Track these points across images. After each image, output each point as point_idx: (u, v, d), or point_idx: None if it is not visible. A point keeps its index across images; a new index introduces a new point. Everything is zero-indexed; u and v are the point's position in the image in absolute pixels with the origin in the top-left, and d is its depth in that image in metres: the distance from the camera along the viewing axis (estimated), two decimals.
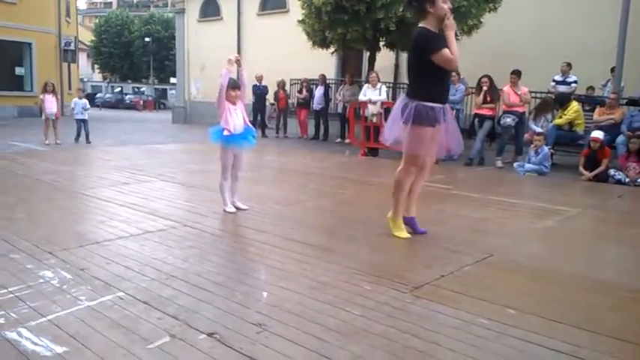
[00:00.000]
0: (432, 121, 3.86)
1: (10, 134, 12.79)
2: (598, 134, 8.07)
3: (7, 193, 5.46)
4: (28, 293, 2.78)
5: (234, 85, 4.73)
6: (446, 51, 3.71)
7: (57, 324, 2.42)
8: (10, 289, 2.81)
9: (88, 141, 11.27)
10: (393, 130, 4.13)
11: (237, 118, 4.76)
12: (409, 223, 4.26)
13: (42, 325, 2.41)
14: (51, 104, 11.14)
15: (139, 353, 2.17)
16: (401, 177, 4.14)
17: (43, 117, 11.15)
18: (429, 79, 3.86)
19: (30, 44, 21.11)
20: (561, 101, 9.50)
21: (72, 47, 22.94)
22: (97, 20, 52.63)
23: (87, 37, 46.65)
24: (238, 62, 4.79)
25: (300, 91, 14.62)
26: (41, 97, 11.35)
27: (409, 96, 3.95)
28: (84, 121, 11.34)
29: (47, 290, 2.84)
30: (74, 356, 2.14)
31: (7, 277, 3.01)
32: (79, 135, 11.34)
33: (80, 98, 11.74)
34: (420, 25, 3.89)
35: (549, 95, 10.41)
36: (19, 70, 21.11)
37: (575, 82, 10.65)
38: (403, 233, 4.17)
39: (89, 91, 46.04)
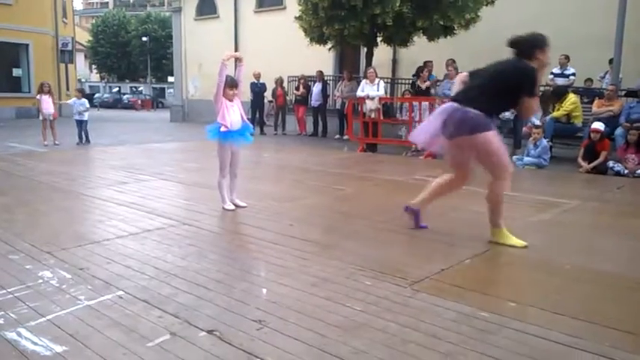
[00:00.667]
0: (491, 126, 3.75)
1: (9, 136, 12.77)
2: (599, 125, 8.06)
3: (6, 195, 5.46)
4: (27, 293, 2.77)
5: (232, 83, 4.72)
6: (537, 101, 3.83)
7: (56, 324, 2.42)
8: (9, 290, 2.81)
9: (87, 141, 11.25)
10: (433, 136, 3.94)
11: (234, 114, 4.76)
12: (414, 214, 4.21)
13: (41, 325, 2.41)
14: (47, 105, 11.11)
15: (139, 351, 2.17)
16: (501, 190, 3.95)
17: (41, 118, 11.12)
18: (500, 104, 3.90)
19: (27, 45, 21.06)
20: (558, 94, 9.48)
21: (69, 48, 22.89)
22: (93, 20, 52.52)
23: (84, 37, 46.50)
24: (239, 59, 4.80)
25: (297, 88, 14.60)
26: (38, 97, 11.32)
27: (467, 104, 3.75)
28: (82, 122, 11.30)
29: (46, 290, 2.83)
30: (74, 355, 2.13)
31: (7, 277, 3.01)
32: (80, 136, 11.32)
33: (79, 98, 11.70)
34: (527, 62, 3.84)
35: (548, 89, 10.39)
36: (16, 72, 21.06)
37: (574, 74, 10.63)
38: (517, 240, 3.83)
39: (87, 91, 45.95)
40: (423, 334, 2.38)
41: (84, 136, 11.33)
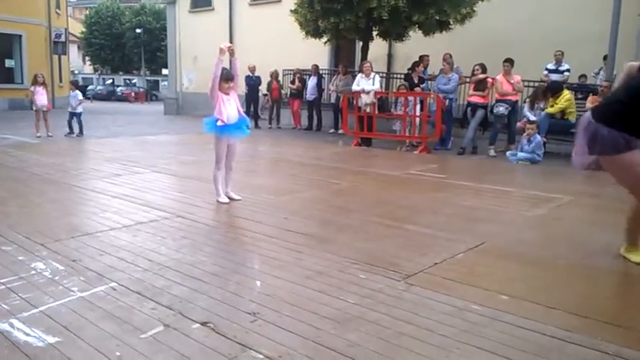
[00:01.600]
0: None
1: (1, 127, 12.66)
2: None
3: None
4: (19, 285, 2.76)
5: (227, 76, 4.70)
6: None
7: (49, 315, 2.41)
8: (1, 281, 2.79)
9: (80, 133, 11.15)
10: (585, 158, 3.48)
11: (230, 108, 4.74)
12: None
13: (34, 316, 2.40)
14: (42, 96, 11.03)
15: (133, 343, 2.17)
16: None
17: (34, 109, 11.04)
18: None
19: (20, 36, 20.85)
20: (553, 89, 9.49)
21: (62, 39, 22.70)
22: (87, 12, 52.03)
23: (77, 28, 46.10)
24: (232, 52, 4.75)
25: (293, 82, 14.55)
26: (31, 89, 11.24)
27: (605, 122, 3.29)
28: (75, 114, 11.19)
29: (39, 282, 2.82)
30: (67, 346, 2.13)
31: None
32: (70, 127, 11.20)
33: (72, 90, 11.60)
34: None
35: (542, 84, 10.41)
36: (9, 63, 20.87)
37: (568, 70, 10.65)
38: None
39: (80, 83, 45.60)
40: (416, 327, 2.39)
41: (77, 128, 11.21)
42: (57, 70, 22.96)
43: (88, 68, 55.49)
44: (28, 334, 2.22)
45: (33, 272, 2.96)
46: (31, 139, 10.26)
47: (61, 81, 23.32)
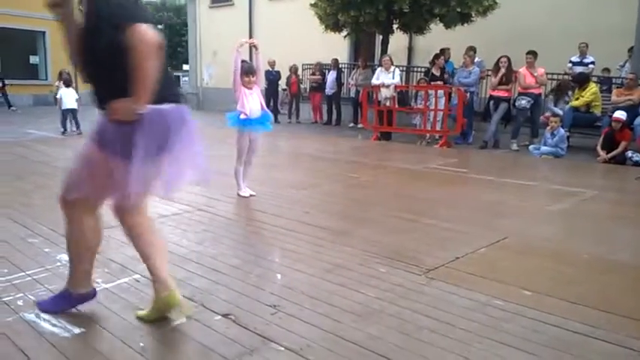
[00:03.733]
0: None
1: (26, 122, 12.90)
2: (620, 115, 7.90)
3: (24, 180, 5.53)
4: (45, 276, 2.82)
5: (248, 70, 4.71)
6: None
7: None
8: (27, 272, 2.86)
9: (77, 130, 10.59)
10: None
11: (253, 102, 4.75)
12: None
13: None
14: (70, 99, 10.42)
15: (156, 334, 2.20)
16: None
17: (62, 107, 10.53)
18: None
19: (43, 33, 21.19)
20: (580, 81, 9.31)
21: None
22: None
23: None
24: (255, 47, 4.77)
25: (313, 74, 14.49)
26: (56, 84, 11.11)
27: None
28: (73, 110, 10.65)
29: (64, 273, 2.84)
30: (92, 337, 2.17)
31: (26, 260, 3.06)
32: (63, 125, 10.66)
33: (67, 86, 10.94)
34: None
35: (566, 77, 10.23)
36: (33, 59, 21.23)
37: (593, 62, 10.44)
38: None
39: None
40: (437, 321, 2.37)
41: (74, 125, 10.64)
42: None
43: None
44: (54, 325, 2.27)
45: (58, 264, 3.02)
46: (55, 133, 10.44)
47: None
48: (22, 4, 19.81)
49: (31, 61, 21.17)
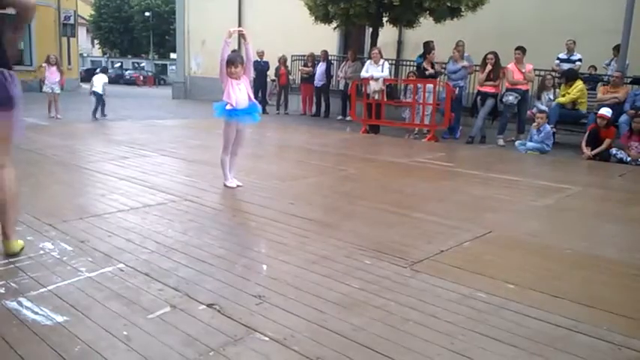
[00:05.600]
0: None
1: None
2: (605, 112, 7.98)
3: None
4: (28, 264, 2.78)
5: (230, 60, 4.62)
6: None
7: (57, 294, 2.43)
8: (10, 260, 2.82)
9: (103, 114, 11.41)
10: None
11: (240, 93, 4.70)
12: None
13: (42, 294, 2.42)
14: (52, 75, 11.18)
15: (140, 323, 2.18)
16: None
17: (44, 90, 11.20)
18: None
19: None
20: (569, 77, 9.38)
21: (71, 21, 22.67)
22: None
23: (86, 11, 45.97)
24: (243, 36, 4.72)
25: (306, 65, 14.42)
26: (44, 65, 11.40)
27: None
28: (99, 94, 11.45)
29: (47, 261, 2.84)
30: (75, 325, 2.15)
31: None
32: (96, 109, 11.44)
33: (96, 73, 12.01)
34: None
35: (553, 74, 10.30)
36: (18, 44, 20.89)
37: (580, 60, 10.53)
38: None
39: (89, 66, 45.67)
40: (422, 313, 2.39)
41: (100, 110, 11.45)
42: (66, 52, 22.93)
43: (97, 51, 55.44)
44: (36, 313, 2.24)
45: (42, 252, 2.98)
46: (40, 120, 10.29)
47: (70, 63, 23.28)
48: None
49: None
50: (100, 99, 11.34)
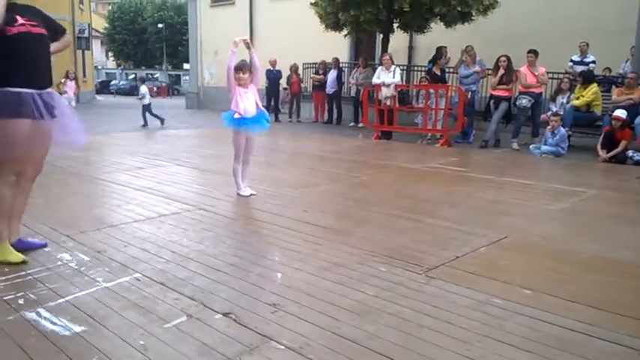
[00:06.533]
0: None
1: None
2: (620, 113, 7.89)
3: None
4: (46, 275, 2.82)
5: (237, 66, 4.67)
6: None
7: (75, 304, 2.46)
8: (28, 272, 2.86)
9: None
10: None
11: (247, 101, 4.73)
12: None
13: (60, 305, 2.45)
14: (70, 89, 11.77)
15: (156, 332, 2.20)
16: None
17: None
18: None
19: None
20: (585, 78, 9.30)
21: (86, 34, 23.08)
22: (109, 7, 52.65)
23: (100, 24, 46.69)
24: (248, 45, 4.76)
25: (317, 73, 14.47)
26: (62, 80, 11.89)
27: None
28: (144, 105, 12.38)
29: (65, 272, 2.88)
30: (92, 335, 2.17)
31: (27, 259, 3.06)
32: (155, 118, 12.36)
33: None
34: None
35: (567, 76, 10.22)
36: None
37: (594, 62, 10.43)
38: None
39: (103, 78, 46.35)
40: (437, 320, 2.38)
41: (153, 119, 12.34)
42: (81, 65, 23.31)
43: (111, 63, 56.17)
44: (54, 323, 2.28)
45: (59, 263, 3.02)
46: None
47: (85, 76, 23.65)
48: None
49: None
50: (146, 109, 12.30)
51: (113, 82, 43.82)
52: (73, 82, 12.24)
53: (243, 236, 3.77)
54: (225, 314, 2.39)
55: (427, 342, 2.18)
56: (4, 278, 2.76)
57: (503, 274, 2.98)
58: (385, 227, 3.97)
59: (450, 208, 4.69)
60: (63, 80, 12.12)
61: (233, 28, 18.68)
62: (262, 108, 4.92)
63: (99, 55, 49.80)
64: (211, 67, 21.07)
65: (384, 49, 12.04)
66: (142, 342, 2.12)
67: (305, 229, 3.82)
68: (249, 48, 4.77)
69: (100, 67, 49.42)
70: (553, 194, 5.38)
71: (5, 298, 2.52)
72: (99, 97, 29.24)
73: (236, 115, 4.69)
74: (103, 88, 40.67)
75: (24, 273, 2.84)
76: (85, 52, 23.73)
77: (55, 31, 3.36)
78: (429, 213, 4.42)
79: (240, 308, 2.45)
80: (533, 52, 9.18)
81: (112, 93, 38.42)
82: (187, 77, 30.70)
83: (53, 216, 4.05)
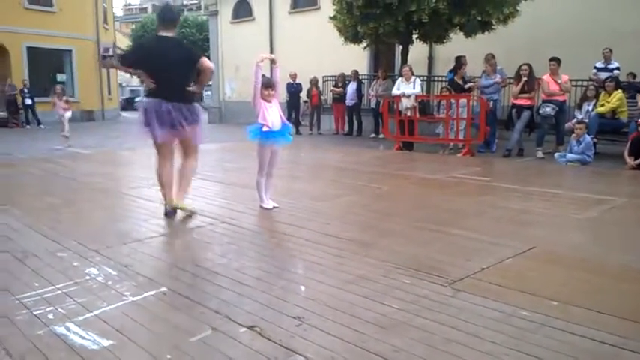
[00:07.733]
0: None
1: (52, 139, 13.21)
2: None
3: (54, 195, 5.66)
4: (75, 289, 2.87)
5: (267, 84, 4.76)
6: None
7: (103, 318, 2.50)
8: (57, 286, 2.92)
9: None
10: None
11: (273, 115, 4.80)
12: None
13: (89, 319, 2.49)
14: (59, 108, 11.74)
15: (182, 346, 2.22)
16: None
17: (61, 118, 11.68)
18: None
19: (70, 51, 21.80)
20: (617, 82, 9.17)
21: (110, 53, 23.59)
22: (133, 26, 53.76)
23: (124, 42, 47.68)
24: (273, 60, 4.85)
25: (336, 85, 14.54)
26: (54, 99, 11.88)
27: None
28: None
29: (93, 286, 2.93)
30: (120, 349, 2.20)
31: (55, 274, 3.12)
32: None
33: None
34: None
35: (590, 83, 10.07)
36: (60, 77, 21.80)
37: (618, 68, 10.27)
38: None
39: (128, 95, 47.20)
40: (464, 333, 2.35)
41: None
42: (106, 83, 23.84)
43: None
44: (83, 337, 2.31)
45: (87, 277, 3.08)
46: (82, 149, 10.68)
47: (109, 93, 24.15)
48: (50, 23, 20.41)
49: (58, 79, 21.73)
50: None
51: (138, 99, 44.57)
52: (60, 100, 11.93)
53: (267, 249, 3.79)
54: (249, 327, 2.40)
55: (454, 356, 2.15)
56: (34, 293, 2.81)
57: (530, 285, 2.93)
58: (408, 239, 3.95)
59: (474, 218, 4.64)
60: (53, 98, 12.03)
61: (253, 43, 18.95)
62: (286, 121, 4.97)
63: (123, 73, 50.65)
64: (232, 82, 21.34)
65: (404, 61, 12.04)
66: (168, 355, 2.14)
67: (328, 242, 3.82)
68: (274, 62, 4.85)
69: (124, 85, 50.36)
70: (580, 203, 5.28)
71: (35, 312, 2.57)
72: (124, 114, 29.79)
73: (265, 128, 4.74)
74: (128, 104, 41.49)
75: (53, 287, 2.89)
76: (110, 70, 24.26)
77: None
78: (453, 224, 4.38)
79: (265, 321, 2.46)
80: (556, 60, 9.09)
81: (136, 109, 39.08)
82: (209, 92, 31.10)
83: (80, 231, 4.12)
